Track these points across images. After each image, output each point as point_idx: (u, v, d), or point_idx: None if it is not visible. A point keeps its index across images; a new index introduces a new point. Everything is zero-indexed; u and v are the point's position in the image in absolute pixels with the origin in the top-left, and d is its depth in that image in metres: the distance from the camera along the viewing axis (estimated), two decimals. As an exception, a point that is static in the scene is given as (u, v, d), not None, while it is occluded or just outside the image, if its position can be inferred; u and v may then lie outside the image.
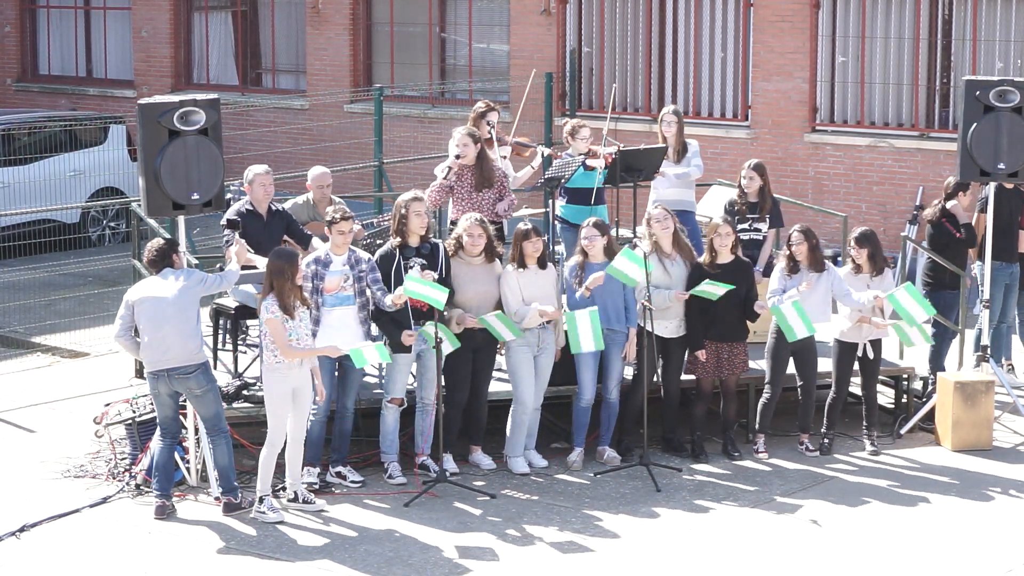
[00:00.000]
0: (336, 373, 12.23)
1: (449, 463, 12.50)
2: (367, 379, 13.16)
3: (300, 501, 11.80)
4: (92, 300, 17.71)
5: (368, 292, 12.13)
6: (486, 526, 11.56)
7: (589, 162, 14.05)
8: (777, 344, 13.05)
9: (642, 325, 12.70)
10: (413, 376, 12.61)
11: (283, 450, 11.74)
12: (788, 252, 13.05)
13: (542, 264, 12.63)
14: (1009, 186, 14.55)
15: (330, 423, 12.36)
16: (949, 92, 18.91)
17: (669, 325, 12.90)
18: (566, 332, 12.63)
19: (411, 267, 12.20)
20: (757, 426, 13.25)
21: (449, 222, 13.31)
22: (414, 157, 20.86)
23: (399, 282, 12.14)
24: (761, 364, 13.40)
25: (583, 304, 12.53)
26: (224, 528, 11.51)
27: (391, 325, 12.25)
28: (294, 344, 11.43)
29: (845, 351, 13.20)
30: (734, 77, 20.26)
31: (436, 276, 12.15)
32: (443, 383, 12.33)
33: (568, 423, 13.10)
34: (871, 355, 13.19)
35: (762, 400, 13.18)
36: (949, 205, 14.59)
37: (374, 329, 12.48)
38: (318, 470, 12.27)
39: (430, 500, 12.00)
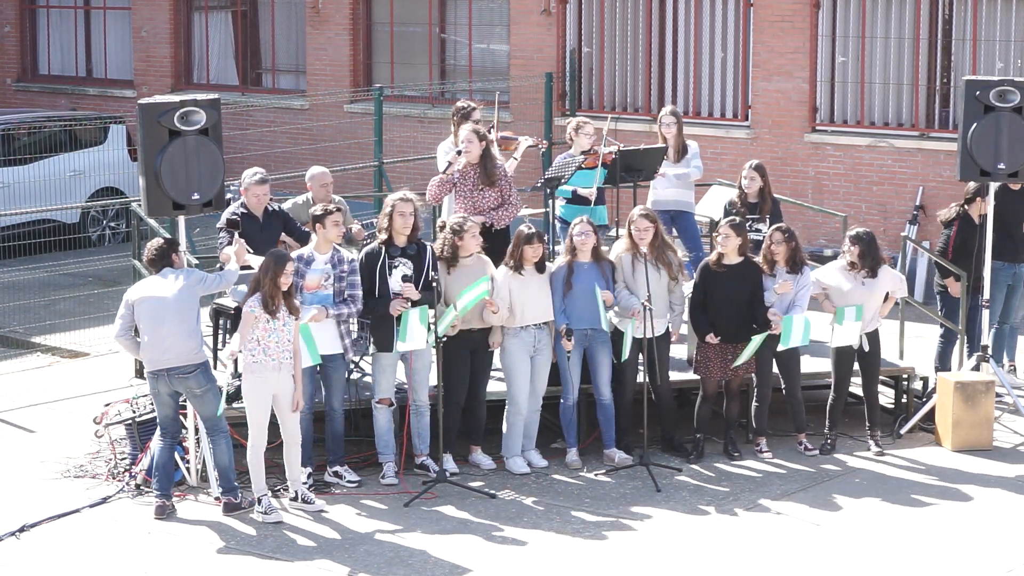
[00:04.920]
0: (318, 372, 12.24)
1: (449, 463, 12.50)
2: (366, 379, 13.17)
3: (300, 501, 11.80)
4: (92, 300, 17.70)
5: (346, 293, 12.15)
6: (486, 526, 11.56)
7: (586, 163, 14.05)
8: (759, 347, 13.03)
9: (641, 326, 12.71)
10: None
11: (278, 452, 11.76)
12: (768, 250, 13.02)
13: (540, 268, 12.62)
14: (1016, 187, 14.52)
15: (321, 423, 12.36)
16: (949, 92, 18.89)
17: (655, 324, 12.86)
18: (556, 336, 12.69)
19: (395, 267, 12.22)
20: (756, 429, 13.24)
21: (438, 224, 13.19)
22: (414, 157, 20.85)
23: (383, 280, 12.16)
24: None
25: (574, 305, 12.57)
26: (224, 528, 11.51)
27: (378, 324, 12.28)
28: (271, 347, 11.44)
29: (842, 351, 13.19)
30: (734, 77, 20.25)
31: (423, 279, 12.14)
32: (440, 383, 12.33)
33: (567, 423, 13.13)
34: (866, 347, 13.16)
35: (754, 404, 13.18)
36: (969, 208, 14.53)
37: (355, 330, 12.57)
38: (310, 469, 12.27)
39: (430, 500, 12.00)
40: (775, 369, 13.11)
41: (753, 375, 13.12)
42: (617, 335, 12.80)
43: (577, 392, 12.82)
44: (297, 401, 11.66)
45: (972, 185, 14.39)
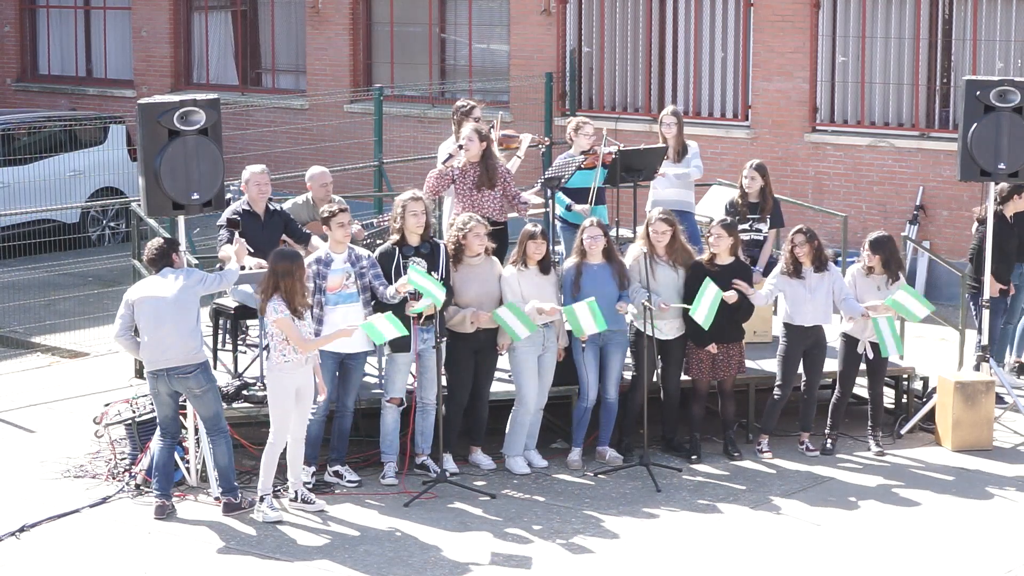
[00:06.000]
0: (337, 373, 12.23)
1: (449, 463, 12.50)
2: (367, 379, 13.16)
3: (300, 501, 11.80)
4: (92, 300, 17.71)
5: (371, 289, 12.14)
6: (486, 526, 11.56)
7: (586, 164, 14.05)
8: (789, 347, 13.03)
9: (641, 326, 12.71)
10: (413, 376, 12.61)
11: (283, 450, 11.76)
12: (790, 253, 13.03)
13: (544, 269, 12.62)
14: None
15: (329, 422, 12.37)
16: (949, 92, 18.89)
17: (667, 326, 12.89)
18: (569, 331, 12.65)
19: (410, 266, 12.21)
20: (762, 427, 13.24)
21: (448, 222, 13.26)
22: (414, 157, 20.86)
23: (398, 280, 12.15)
24: (759, 364, 13.40)
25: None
26: (224, 528, 11.51)
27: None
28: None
29: (851, 348, 13.18)
30: (734, 77, 20.25)
31: (439, 276, 12.15)
32: (444, 383, 12.33)
33: (567, 423, 13.10)
34: (870, 355, 13.17)
35: (770, 401, 13.17)
36: (1005, 209, 14.54)
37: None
38: (314, 469, 12.27)
39: (430, 500, 11.99)
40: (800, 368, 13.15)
41: (779, 371, 13.10)
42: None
43: (595, 394, 12.80)
44: (321, 387, 11.69)
45: (1005, 185, 14.40)
